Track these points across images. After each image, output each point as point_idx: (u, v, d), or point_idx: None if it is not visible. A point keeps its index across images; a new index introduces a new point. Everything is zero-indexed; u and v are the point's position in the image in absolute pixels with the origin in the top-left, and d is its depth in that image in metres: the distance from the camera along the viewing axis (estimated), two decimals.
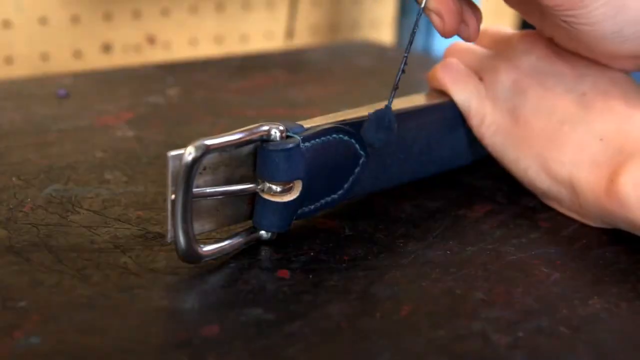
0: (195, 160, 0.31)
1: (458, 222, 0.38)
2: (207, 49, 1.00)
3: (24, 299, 0.30)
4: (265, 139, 0.33)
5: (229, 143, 0.32)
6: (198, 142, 0.31)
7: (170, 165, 0.31)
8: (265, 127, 0.33)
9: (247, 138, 0.33)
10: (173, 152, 0.31)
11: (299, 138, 0.34)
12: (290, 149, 0.33)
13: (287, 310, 0.30)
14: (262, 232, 0.35)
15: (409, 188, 0.42)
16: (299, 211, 0.35)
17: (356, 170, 0.38)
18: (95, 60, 0.91)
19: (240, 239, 0.34)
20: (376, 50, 0.83)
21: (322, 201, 0.37)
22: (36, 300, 0.30)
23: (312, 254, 0.35)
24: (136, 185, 0.41)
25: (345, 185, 0.38)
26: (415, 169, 0.42)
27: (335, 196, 0.37)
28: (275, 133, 0.33)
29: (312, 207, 0.36)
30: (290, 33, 1.01)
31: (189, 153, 0.30)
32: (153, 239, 0.35)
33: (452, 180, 0.44)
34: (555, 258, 0.35)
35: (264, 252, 0.34)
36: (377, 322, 0.29)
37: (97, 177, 0.43)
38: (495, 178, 0.44)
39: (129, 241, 0.35)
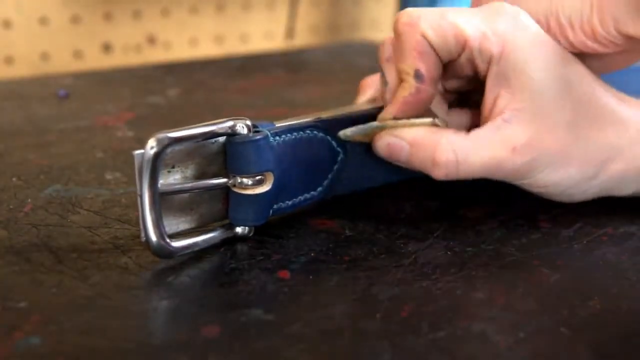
0: (158, 154, 0.31)
1: (458, 222, 0.38)
2: (207, 49, 0.99)
3: (24, 299, 0.30)
4: (232, 133, 0.33)
5: (191, 136, 0.32)
6: (159, 135, 0.31)
7: (136, 163, 0.31)
8: (230, 122, 0.33)
9: (211, 131, 0.33)
10: (138, 151, 0.31)
11: (267, 131, 0.34)
12: (258, 140, 0.34)
13: (288, 310, 0.30)
14: (238, 229, 0.35)
15: (408, 188, 0.42)
16: (276, 206, 0.36)
17: (335, 168, 0.38)
18: (95, 60, 0.91)
19: (214, 234, 0.34)
20: (376, 50, 0.83)
21: (301, 197, 0.37)
22: (36, 301, 0.30)
23: (312, 254, 0.35)
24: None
25: (325, 183, 0.38)
26: (405, 169, 0.42)
27: (314, 193, 0.38)
28: (242, 128, 0.33)
29: (290, 202, 0.37)
30: (290, 33, 1.01)
31: (150, 147, 0.31)
32: None
33: (452, 180, 0.44)
34: (556, 258, 0.35)
35: (264, 253, 0.34)
36: (377, 323, 0.29)
37: (97, 177, 0.43)
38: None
39: (129, 241, 0.35)
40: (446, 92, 0.41)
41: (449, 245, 0.36)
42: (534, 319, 0.30)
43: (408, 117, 0.37)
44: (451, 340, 0.28)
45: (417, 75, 0.36)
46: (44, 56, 0.89)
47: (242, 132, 0.33)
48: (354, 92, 0.43)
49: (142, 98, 0.61)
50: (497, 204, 0.41)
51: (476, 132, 0.36)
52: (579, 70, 0.37)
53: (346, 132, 0.37)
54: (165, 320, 0.29)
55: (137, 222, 0.37)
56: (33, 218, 0.37)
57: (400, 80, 0.37)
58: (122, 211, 0.38)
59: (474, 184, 0.43)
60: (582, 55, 0.37)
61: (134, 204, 0.39)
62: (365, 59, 0.78)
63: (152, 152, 0.31)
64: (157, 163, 0.31)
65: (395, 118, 0.37)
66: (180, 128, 0.32)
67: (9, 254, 0.33)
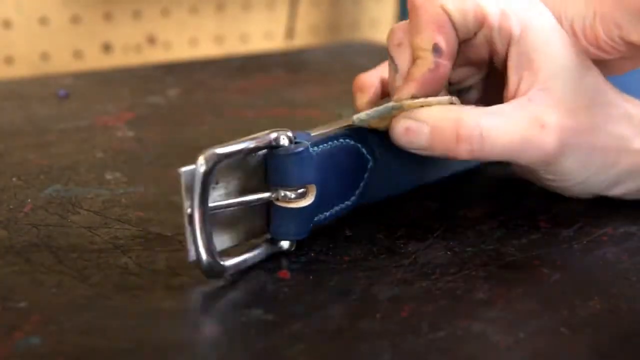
0: (209, 172, 0.30)
1: (458, 223, 0.38)
2: (207, 49, 0.99)
3: (24, 299, 0.30)
4: (274, 146, 0.33)
5: (238, 150, 0.31)
6: (208, 152, 0.30)
7: (183, 180, 0.30)
8: (274, 134, 0.33)
9: (256, 145, 0.32)
10: (185, 168, 0.30)
11: (307, 142, 0.34)
12: (300, 152, 0.33)
13: (288, 311, 0.30)
14: (284, 244, 0.34)
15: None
16: (316, 219, 0.35)
17: (365, 176, 0.37)
18: (95, 60, 0.91)
19: (260, 250, 0.34)
20: (376, 50, 0.83)
21: (337, 208, 0.36)
22: (36, 301, 0.30)
23: (312, 254, 0.35)
24: (136, 186, 0.41)
25: (357, 192, 0.37)
26: (427, 174, 0.41)
27: (349, 202, 0.37)
28: (284, 139, 0.33)
29: (327, 214, 0.36)
30: (290, 33, 1.01)
31: (200, 164, 0.30)
32: (153, 240, 0.35)
33: (452, 180, 0.44)
34: (556, 258, 0.35)
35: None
36: (377, 323, 0.29)
37: (97, 177, 0.43)
38: (496, 178, 0.44)
39: (129, 242, 0.35)
40: (450, 85, 0.40)
41: (449, 245, 0.36)
42: (534, 319, 0.30)
43: (426, 96, 0.35)
44: (451, 340, 0.28)
45: (436, 49, 0.34)
46: (44, 56, 0.89)
47: (284, 143, 0.33)
48: None
49: (142, 98, 0.61)
50: (497, 204, 0.41)
51: (500, 107, 0.35)
52: (589, 62, 0.37)
53: (360, 116, 0.36)
54: (165, 320, 0.29)
55: (137, 222, 0.37)
56: (33, 218, 0.37)
57: (415, 59, 0.35)
58: (122, 211, 0.38)
59: (474, 184, 0.43)
60: None
61: (134, 204, 0.39)
62: (365, 59, 0.78)
63: (202, 170, 0.30)
64: (207, 181, 0.30)
65: (412, 97, 0.35)
66: (225, 144, 0.31)
67: (9, 254, 0.33)
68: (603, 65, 0.38)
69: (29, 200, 0.39)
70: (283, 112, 0.56)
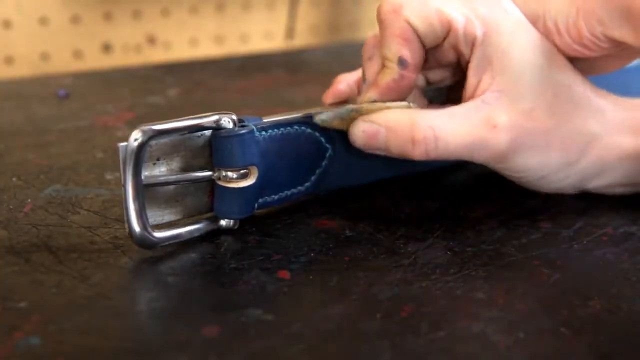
0: (142, 145, 0.31)
1: (458, 223, 0.38)
2: (207, 49, 0.99)
3: (24, 299, 0.30)
4: (217, 127, 0.34)
5: (175, 128, 0.33)
6: (144, 127, 0.32)
7: (120, 155, 0.32)
8: (216, 116, 0.34)
9: (196, 124, 0.33)
10: (122, 143, 0.32)
11: (252, 126, 0.35)
12: (242, 134, 0.34)
13: (287, 311, 0.30)
14: (222, 222, 0.35)
15: (409, 188, 0.42)
16: (261, 200, 0.36)
17: (323, 164, 0.38)
18: (95, 60, 0.91)
19: (199, 226, 0.35)
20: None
21: (288, 192, 0.37)
22: (36, 301, 0.30)
23: (312, 254, 0.35)
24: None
25: (312, 178, 0.38)
26: (395, 166, 0.41)
27: (301, 188, 0.38)
28: (228, 122, 0.34)
29: (276, 197, 0.37)
30: (290, 33, 1.01)
31: (134, 138, 0.31)
32: None
33: (452, 180, 0.44)
34: (556, 259, 0.35)
35: (264, 253, 0.34)
36: (377, 323, 0.29)
37: (97, 177, 0.43)
38: (495, 178, 0.44)
39: (129, 241, 0.35)
40: (428, 85, 0.41)
41: (449, 245, 0.36)
42: (534, 319, 0.30)
43: (384, 102, 0.36)
44: (451, 340, 0.28)
45: (401, 62, 0.36)
46: (44, 56, 0.89)
47: (227, 126, 0.34)
48: None
49: (142, 98, 0.61)
50: (497, 204, 0.41)
51: (453, 109, 0.36)
52: (558, 58, 0.37)
53: (322, 117, 0.37)
54: (165, 320, 0.29)
55: None
56: (33, 218, 0.37)
57: (383, 67, 0.36)
58: (122, 211, 0.38)
59: (474, 184, 0.43)
60: (570, 59, 0.37)
61: None
62: None
63: (135, 143, 0.31)
64: (140, 154, 0.32)
65: (373, 102, 0.36)
66: (165, 121, 0.32)
67: (9, 254, 0.33)
68: (589, 63, 0.38)
69: (29, 200, 0.39)
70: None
